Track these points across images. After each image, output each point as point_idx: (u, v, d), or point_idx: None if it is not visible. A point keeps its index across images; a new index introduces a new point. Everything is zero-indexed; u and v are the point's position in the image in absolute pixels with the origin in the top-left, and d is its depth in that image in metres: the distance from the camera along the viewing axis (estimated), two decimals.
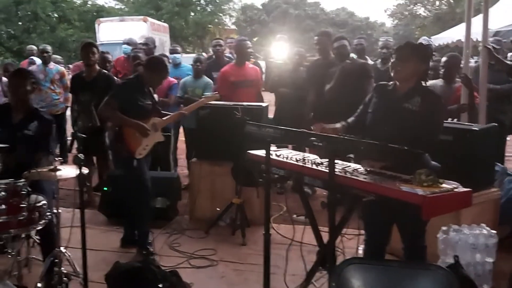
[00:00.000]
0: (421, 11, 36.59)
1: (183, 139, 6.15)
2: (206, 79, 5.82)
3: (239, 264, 3.91)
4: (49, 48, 6.84)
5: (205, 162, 4.85)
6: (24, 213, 2.85)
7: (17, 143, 3.30)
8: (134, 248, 4.07)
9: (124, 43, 7.04)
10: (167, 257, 3.98)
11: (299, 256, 3.04)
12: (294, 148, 3.43)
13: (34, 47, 8.80)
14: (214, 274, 3.75)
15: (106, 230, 4.57)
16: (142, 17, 19.18)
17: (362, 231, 2.96)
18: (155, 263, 3.38)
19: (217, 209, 4.64)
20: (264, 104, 5.08)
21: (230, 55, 6.81)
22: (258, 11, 39.91)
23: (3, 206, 2.76)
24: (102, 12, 28.81)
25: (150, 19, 19.03)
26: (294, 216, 4.67)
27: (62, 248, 3.08)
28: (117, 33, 15.45)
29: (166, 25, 21.73)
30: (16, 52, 24.74)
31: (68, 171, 3.06)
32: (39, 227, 3.08)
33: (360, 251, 3.14)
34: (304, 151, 2.90)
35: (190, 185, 5.01)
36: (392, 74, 2.83)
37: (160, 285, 3.02)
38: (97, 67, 5.24)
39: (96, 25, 18.40)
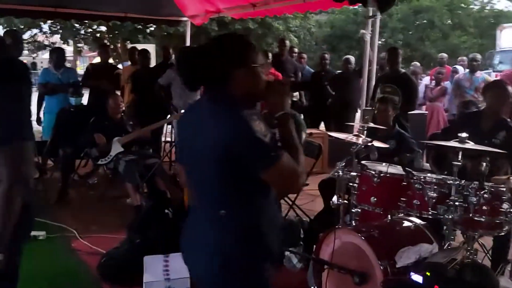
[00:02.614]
0: None
1: None
2: None
3: None
4: (478, 57, 6.82)
5: None
6: (500, 217, 2.88)
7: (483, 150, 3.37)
8: None
9: None
10: None
11: None
12: None
13: (445, 55, 9.15)
14: None
15: None
16: None
17: None
18: None
19: None
20: None
21: None
22: None
23: (484, 208, 2.83)
24: (501, 17, 27.29)
25: None
26: None
27: None
28: None
29: None
30: (405, 60, 26.31)
31: None
32: (502, 233, 3.00)
33: None
34: None
35: None
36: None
37: None
38: None
39: (498, 32, 17.47)
